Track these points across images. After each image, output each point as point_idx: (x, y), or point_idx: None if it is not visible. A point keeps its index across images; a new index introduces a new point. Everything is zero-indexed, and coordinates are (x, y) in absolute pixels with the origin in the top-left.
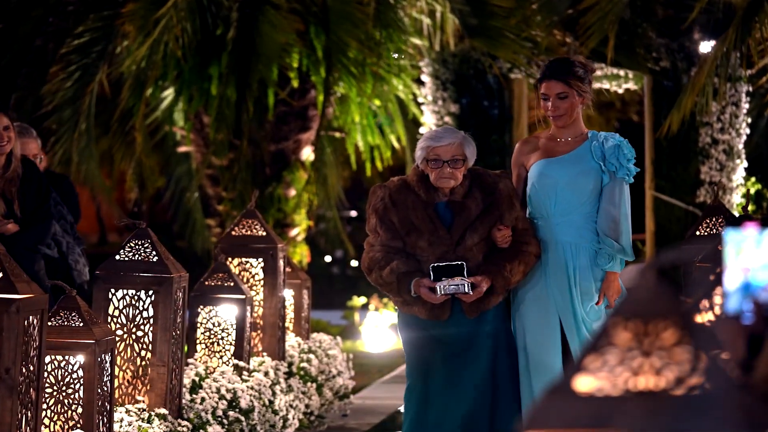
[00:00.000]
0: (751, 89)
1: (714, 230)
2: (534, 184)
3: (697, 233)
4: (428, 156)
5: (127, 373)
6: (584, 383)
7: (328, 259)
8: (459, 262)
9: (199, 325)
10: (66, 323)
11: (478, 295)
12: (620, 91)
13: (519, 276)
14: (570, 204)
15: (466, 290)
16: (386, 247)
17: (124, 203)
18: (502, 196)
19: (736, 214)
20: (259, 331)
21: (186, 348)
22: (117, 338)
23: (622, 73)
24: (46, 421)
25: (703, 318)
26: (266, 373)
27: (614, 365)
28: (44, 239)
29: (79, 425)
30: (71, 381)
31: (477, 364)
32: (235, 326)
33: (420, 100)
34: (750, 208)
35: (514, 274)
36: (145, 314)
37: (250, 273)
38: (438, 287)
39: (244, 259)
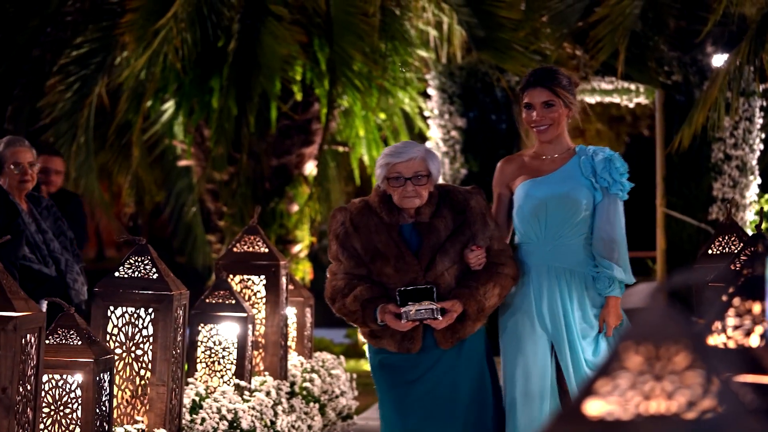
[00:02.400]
0: (764, 104)
1: (727, 249)
2: (521, 207)
3: (710, 252)
4: (389, 174)
5: (125, 393)
6: (594, 407)
7: None
8: (428, 286)
9: (199, 343)
10: (64, 341)
11: (448, 321)
12: (631, 105)
13: (495, 300)
14: (561, 226)
15: (435, 315)
16: (350, 275)
17: (122, 218)
18: (474, 214)
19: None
20: (260, 350)
21: (186, 367)
22: (116, 357)
23: (633, 87)
24: None
25: (716, 340)
26: (268, 393)
27: (625, 389)
28: (16, 254)
29: None
30: (69, 400)
31: (456, 395)
32: (236, 345)
33: (426, 113)
34: (764, 226)
35: (488, 298)
36: (144, 332)
37: (252, 290)
38: (404, 313)
39: (245, 277)
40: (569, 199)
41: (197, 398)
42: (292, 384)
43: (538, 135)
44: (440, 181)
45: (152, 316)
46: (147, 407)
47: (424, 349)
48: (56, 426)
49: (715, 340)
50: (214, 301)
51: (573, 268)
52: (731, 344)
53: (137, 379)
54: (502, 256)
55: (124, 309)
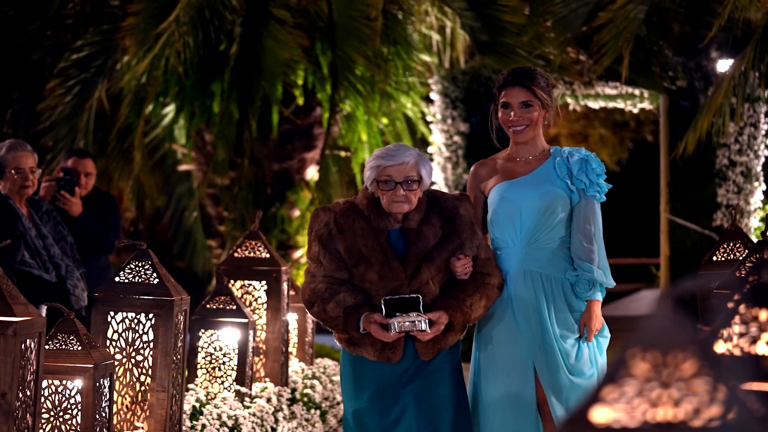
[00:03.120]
0: None
1: (731, 255)
2: (496, 210)
3: (714, 258)
4: (379, 177)
5: (125, 399)
6: (601, 414)
7: None
8: (414, 295)
9: (200, 349)
10: (64, 347)
11: (436, 333)
12: (635, 110)
13: (480, 311)
14: (537, 229)
15: (423, 327)
16: (330, 278)
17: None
18: (464, 223)
19: (755, 239)
20: (261, 356)
21: (186, 373)
22: (116, 363)
23: (636, 92)
24: None
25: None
26: (269, 400)
27: (632, 396)
28: (14, 258)
29: None
30: (68, 406)
31: (433, 403)
32: (237, 351)
33: (429, 118)
34: None
35: (474, 309)
36: (144, 338)
37: (253, 296)
38: (392, 324)
39: (246, 282)
40: (545, 202)
41: (198, 404)
42: (293, 390)
43: (515, 135)
44: (440, 185)
45: (153, 322)
46: (147, 413)
47: (404, 359)
48: None
49: (721, 347)
50: (214, 307)
51: (550, 273)
52: (737, 352)
53: (137, 384)
54: (489, 265)
55: (125, 314)
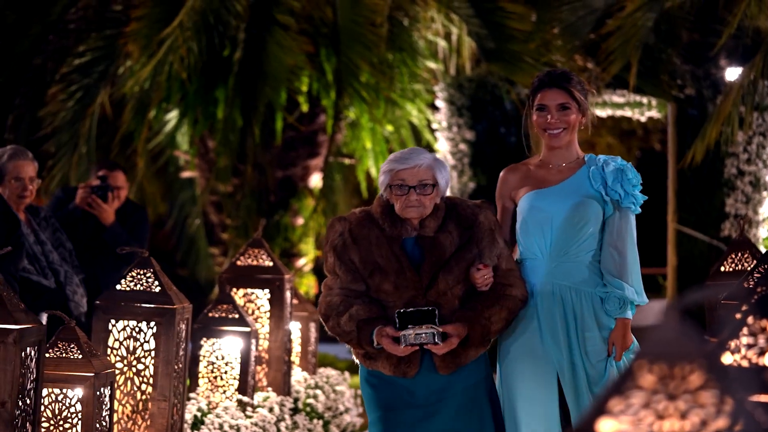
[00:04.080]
0: None
1: (740, 266)
2: (525, 220)
3: (722, 269)
4: (392, 181)
5: (126, 408)
6: (607, 426)
7: None
8: (430, 308)
9: (201, 358)
10: (64, 355)
11: (449, 347)
12: (643, 119)
13: (501, 324)
14: (568, 241)
15: (436, 341)
16: (346, 290)
17: None
18: (483, 230)
19: (763, 249)
20: (264, 365)
21: (188, 382)
22: (117, 371)
23: (645, 100)
24: None
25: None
26: (271, 409)
27: (639, 408)
28: (16, 266)
29: None
30: (69, 415)
31: (452, 424)
32: (239, 360)
33: (434, 126)
34: None
35: (494, 322)
36: (146, 346)
37: (256, 304)
38: (402, 337)
39: (249, 290)
40: (577, 213)
41: (199, 414)
42: (296, 400)
43: (551, 140)
44: (447, 193)
45: (154, 330)
46: (148, 422)
47: (422, 373)
48: None
49: (729, 359)
50: (217, 315)
51: (580, 287)
52: (745, 363)
53: (138, 393)
54: (511, 276)
55: (126, 322)
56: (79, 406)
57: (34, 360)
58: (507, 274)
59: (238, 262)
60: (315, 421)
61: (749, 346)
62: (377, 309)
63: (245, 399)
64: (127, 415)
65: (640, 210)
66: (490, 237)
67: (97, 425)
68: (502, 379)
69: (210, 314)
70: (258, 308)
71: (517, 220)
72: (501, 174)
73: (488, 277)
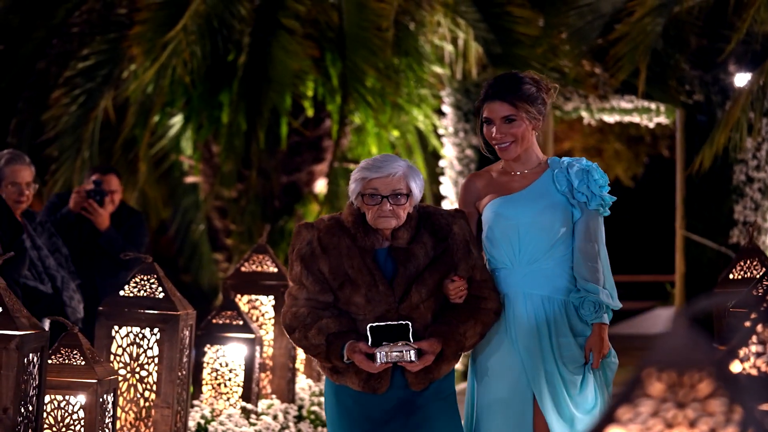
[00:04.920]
0: None
1: (748, 273)
2: (491, 228)
3: (730, 276)
4: (364, 190)
5: (129, 415)
6: None
7: None
8: (403, 323)
9: (205, 365)
10: (67, 361)
11: (425, 363)
12: (651, 125)
13: (475, 339)
14: (537, 248)
15: (411, 358)
16: (313, 301)
17: None
18: (457, 241)
19: None
20: (268, 372)
21: (191, 389)
22: (120, 378)
23: (653, 106)
24: None
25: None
26: (275, 417)
27: (647, 417)
28: (19, 272)
29: None
30: (71, 422)
31: None
32: (243, 367)
33: (441, 131)
34: None
35: (468, 338)
36: (149, 353)
37: (260, 311)
38: (378, 354)
39: (253, 297)
40: (543, 220)
41: (203, 421)
42: (300, 407)
43: (501, 153)
44: (452, 200)
45: (158, 337)
46: (151, 430)
47: (392, 389)
48: None
49: (738, 367)
50: (221, 322)
51: (552, 295)
52: (754, 372)
53: (141, 400)
54: (485, 288)
55: (129, 329)
56: (81, 413)
57: (36, 366)
58: (481, 285)
59: (243, 268)
60: (319, 429)
61: (758, 355)
62: (347, 322)
63: (249, 406)
64: (130, 423)
65: (608, 212)
66: (464, 248)
67: None
68: (473, 393)
69: (214, 321)
70: (262, 315)
71: (482, 228)
72: (464, 182)
73: (462, 289)
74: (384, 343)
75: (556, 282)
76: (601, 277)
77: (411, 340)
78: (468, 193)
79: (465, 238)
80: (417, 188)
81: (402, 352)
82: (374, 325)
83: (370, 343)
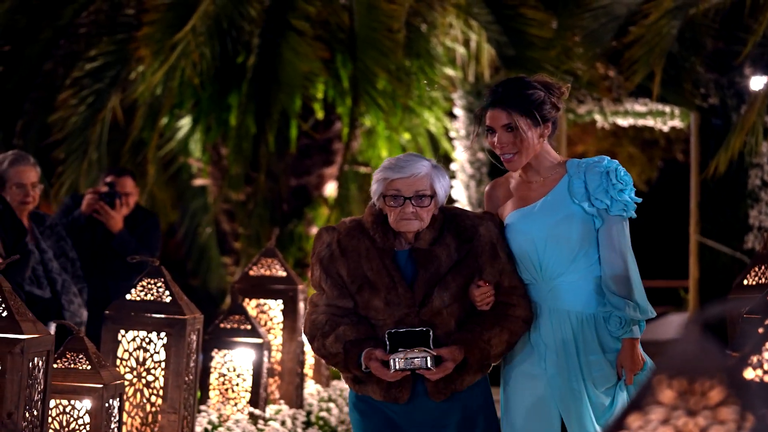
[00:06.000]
0: None
1: (763, 279)
2: (511, 243)
3: (745, 282)
4: (386, 191)
5: (135, 420)
6: None
7: None
8: (423, 329)
9: (213, 369)
10: (72, 366)
11: (444, 372)
12: (665, 128)
13: (502, 347)
14: (558, 263)
15: (428, 365)
16: (332, 307)
17: None
18: (483, 243)
19: None
20: (276, 378)
21: (199, 394)
22: (126, 383)
23: (667, 109)
24: None
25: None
26: (283, 423)
27: (658, 424)
28: (22, 275)
29: None
30: (77, 427)
31: None
32: (251, 372)
33: (452, 134)
34: None
35: (494, 346)
36: (156, 357)
37: (269, 315)
38: (392, 361)
39: (262, 301)
40: (559, 233)
41: (210, 426)
42: (309, 413)
43: (506, 165)
44: (464, 203)
45: (164, 341)
46: None
47: (415, 399)
48: None
49: (750, 374)
50: (228, 326)
51: (579, 309)
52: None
53: (148, 406)
54: (513, 295)
55: (136, 333)
56: (87, 418)
57: (41, 370)
58: (509, 292)
59: (251, 272)
60: None
61: None
62: (366, 329)
63: (257, 412)
64: (137, 428)
65: (634, 214)
66: (491, 251)
67: None
68: (503, 410)
69: (222, 325)
70: (271, 319)
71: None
72: (486, 190)
73: (489, 295)
74: (400, 349)
75: (582, 296)
76: (630, 288)
77: (431, 347)
78: (490, 202)
79: (491, 240)
80: (442, 189)
81: (418, 359)
82: (392, 331)
83: (387, 350)
